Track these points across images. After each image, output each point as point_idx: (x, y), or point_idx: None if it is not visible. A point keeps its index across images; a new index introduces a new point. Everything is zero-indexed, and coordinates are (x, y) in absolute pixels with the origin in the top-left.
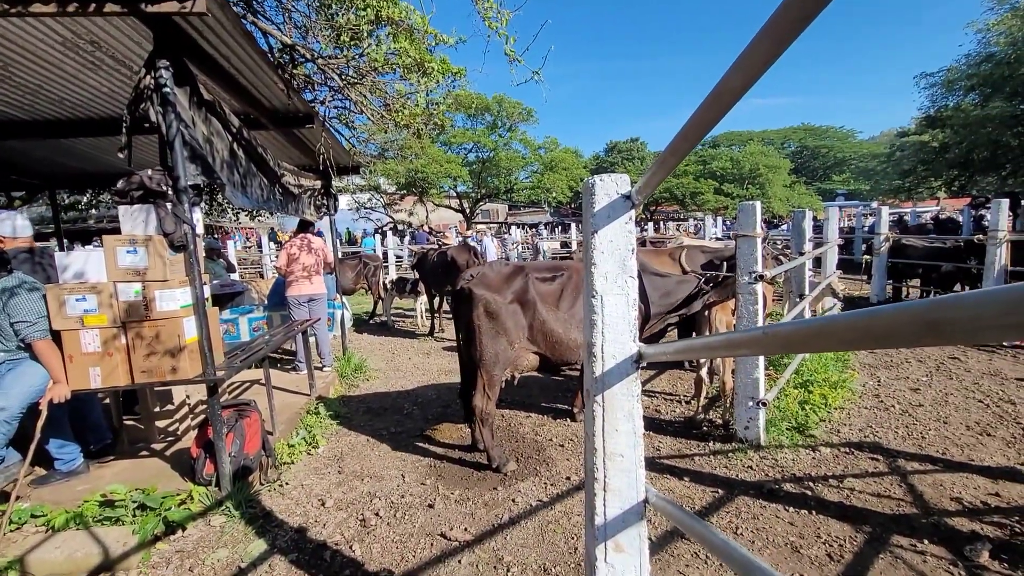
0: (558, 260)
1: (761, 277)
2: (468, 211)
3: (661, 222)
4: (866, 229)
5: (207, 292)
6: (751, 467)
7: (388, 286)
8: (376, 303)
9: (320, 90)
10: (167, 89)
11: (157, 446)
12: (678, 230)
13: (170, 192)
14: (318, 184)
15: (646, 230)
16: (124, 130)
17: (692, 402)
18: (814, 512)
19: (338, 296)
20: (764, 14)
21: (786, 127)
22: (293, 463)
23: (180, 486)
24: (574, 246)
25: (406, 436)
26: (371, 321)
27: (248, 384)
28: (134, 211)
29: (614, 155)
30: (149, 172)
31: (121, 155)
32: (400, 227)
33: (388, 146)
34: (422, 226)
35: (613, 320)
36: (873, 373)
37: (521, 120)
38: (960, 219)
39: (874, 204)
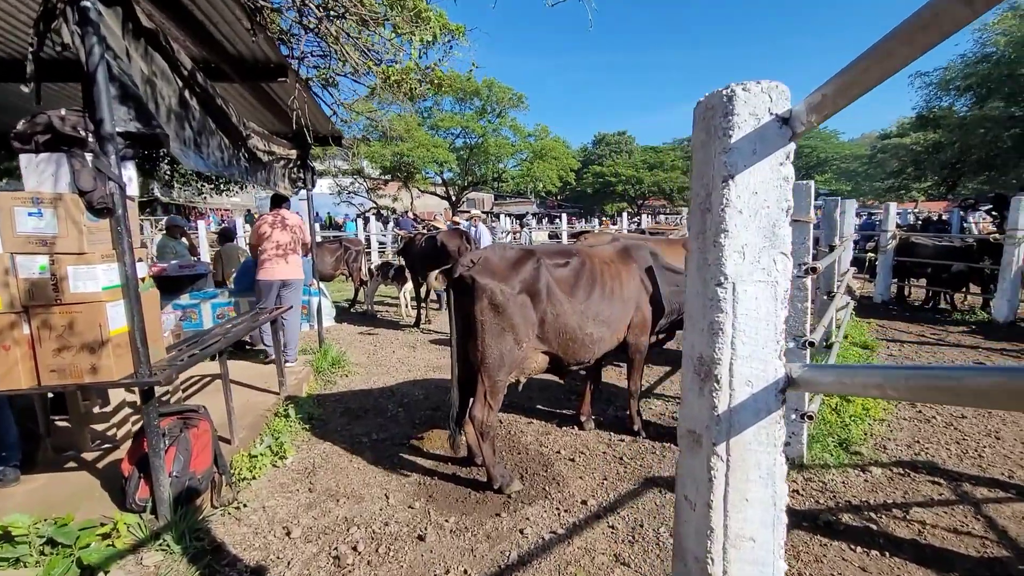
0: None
1: (813, 270)
2: (454, 199)
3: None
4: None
5: (141, 271)
6: (798, 491)
7: (372, 271)
8: (357, 290)
9: (297, 47)
10: (87, 3)
11: (89, 455)
12: (680, 221)
13: (91, 139)
14: (293, 154)
15: (636, 222)
16: (30, 55)
17: None
18: (887, 554)
19: (314, 282)
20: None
21: None
22: (255, 478)
23: (108, 511)
24: (564, 238)
25: (390, 444)
26: (352, 310)
27: (208, 379)
28: (40, 161)
29: (602, 147)
30: (62, 112)
31: (26, 89)
32: (384, 213)
33: (374, 122)
34: (407, 212)
35: (751, 324)
36: None
37: (511, 106)
38: (948, 219)
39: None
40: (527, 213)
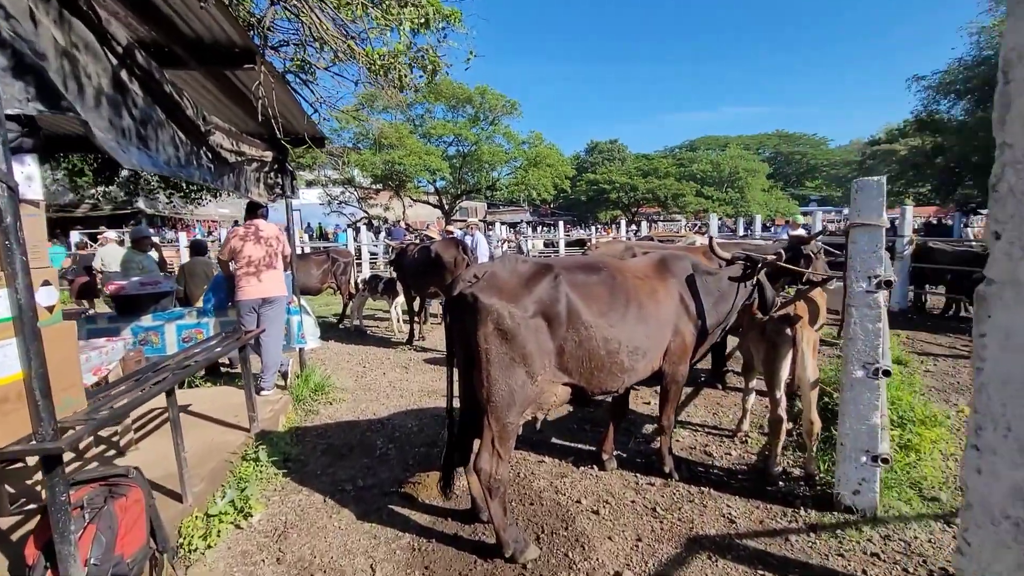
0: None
1: (888, 284)
2: (447, 208)
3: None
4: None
5: (49, 298)
6: (876, 554)
7: (360, 285)
8: (346, 305)
9: (272, 34)
10: None
11: (5, 522)
12: (687, 229)
13: None
14: (268, 156)
15: (637, 230)
16: None
17: (738, 433)
18: None
19: (294, 299)
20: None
21: (761, 133)
22: (210, 547)
23: None
24: (561, 247)
25: (378, 493)
26: (340, 326)
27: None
28: None
29: (595, 155)
30: None
31: None
32: (375, 223)
33: (363, 129)
34: (399, 222)
35: None
36: (947, 399)
37: (504, 113)
38: (950, 223)
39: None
40: (521, 221)
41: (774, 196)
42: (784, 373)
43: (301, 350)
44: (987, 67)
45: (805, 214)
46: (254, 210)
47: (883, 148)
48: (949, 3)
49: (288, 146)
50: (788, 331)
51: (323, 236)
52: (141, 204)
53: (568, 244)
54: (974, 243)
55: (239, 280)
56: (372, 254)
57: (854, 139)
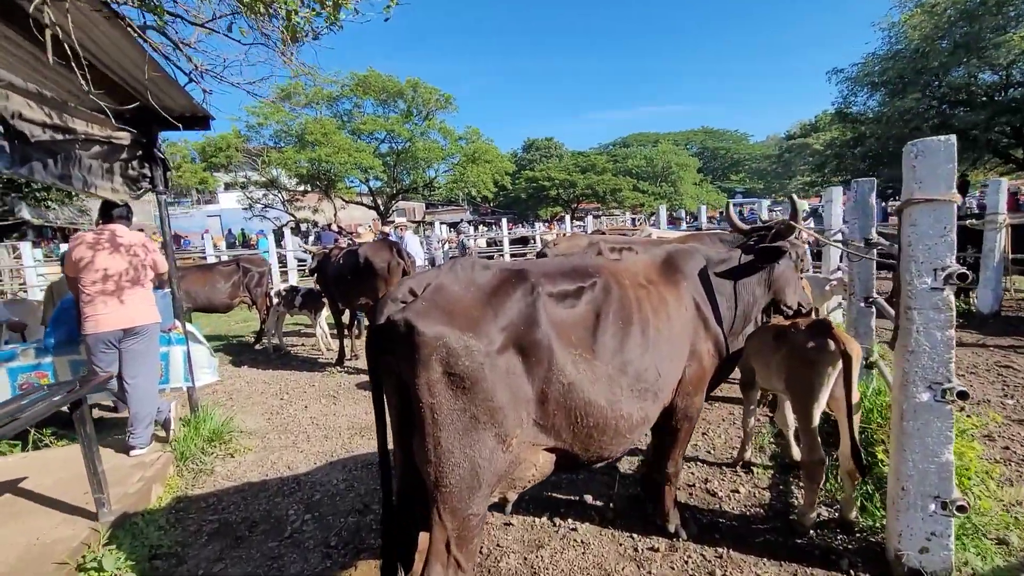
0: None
1: (963, 277)
2: (383, 209)
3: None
4: None
5: None
6: None
7: (274, 299)
8: (263, 321)
9: None
10: None
11: None
12: (635, 222)
13: None
14: (123, 137)
15: (583, 225)
16: None
17: (740, 461)
18: None
19: (176, 325)
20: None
21: (688, 130)
22: None
23: None
24: (505, 245)
25: None
26: (257, 346)
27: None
28: None
29: (532, 152)
30: None
31: None
32: (304, 226)
33: (283, 126)
34: (329, 225)
35: None
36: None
37: (439, 108)
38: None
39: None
40: (461, 220)
41: (704, 189)
42: (824, 400)
43: (190, 390)
44: (899, 60)
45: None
46: (108, 211)
47: (798, 142)
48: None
49: (154, 125)
50: (832, 344)
51: (246, 243)
52: (25, 213)
53: (512, 242)
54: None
55: (87, 305)
56: (300, 260)
57: (770, 134)
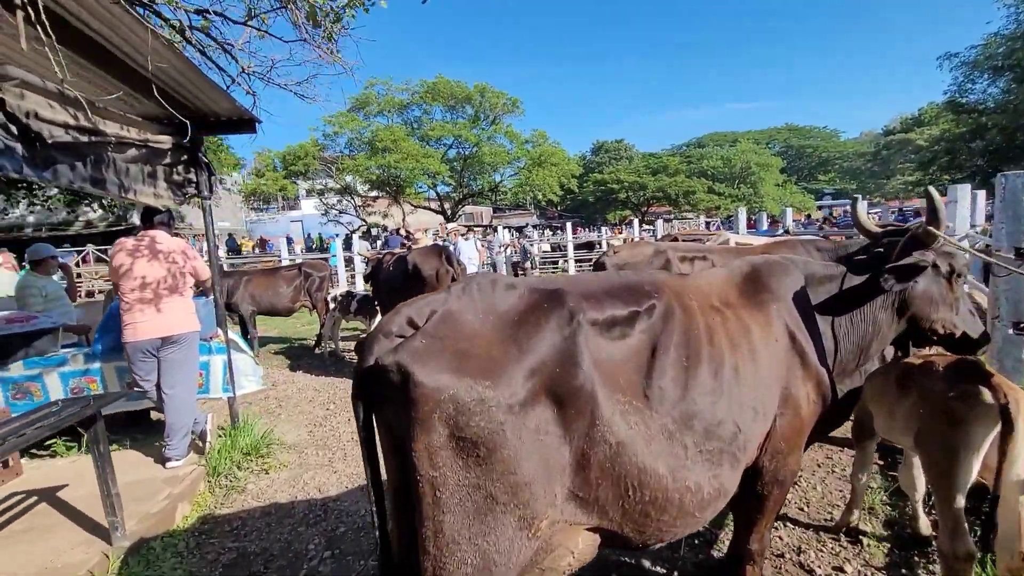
0: (583, 273)
1: None
2: (449, 213)
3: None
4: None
5: None
6: None
7: (330, 303)
8: (323, 325)
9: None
10: None
11: None
12: (710, 227)
13: None
14: (164, 142)
15: (652, 230)
16: None
17: (845, 526)
18: None
19: (218, 334)
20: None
21: (770, 127)
22: None
23: None
24: (570, 250)
25: None
26: (316, 351)
27: (32, 498)
28: None
29: (601, 155)
30: None
31: None
32: (374, 231)
33: (355, 134)
34: (397, 229)
35: None
36: None
37: (506, 112)
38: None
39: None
40: (527, 224)
41: (788, 190)
42: (973, 470)
43: (230, 400)
44: None
45: (820, 207)
46: (150, 216)
47: (898, 138)
48: None
49: (199, 129)
50: (986, 394)
51: (321, 247)
52: (136, 220)
53: (577, 247)
54: None
55: (126, 313)
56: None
57: (865, 131)
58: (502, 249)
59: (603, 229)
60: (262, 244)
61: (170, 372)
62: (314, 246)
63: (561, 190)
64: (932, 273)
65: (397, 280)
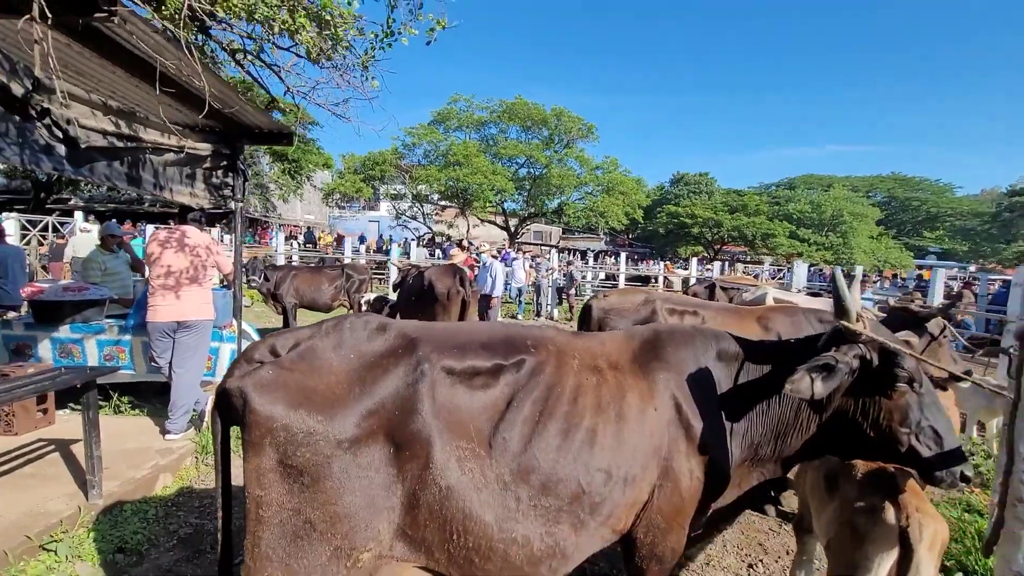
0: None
1: None
2: (514, 230)
3: (727, 263)
4: (989, 297)
5: None
6: None
7: (362, 306)
8: None
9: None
10: None
11: None
12: (746, 272)
13: None
14: (203, 149)
15: (711, 270)
16: None
17: None
18: None
19: (231, 324)
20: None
21: (874, 175)
22: None
23: None
24: (621, 282)
25: None
26: None
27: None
28: None
29: (680, 187)
30: None
31: None
32: (439, 239)
33: (432, 146)
34: (461, 240)
35: None
36: None
37: (580, 136)
38: None
39: (972, 267)
40: (590, 249)
41: (884, 244)
42: None
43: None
44: None
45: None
46: (184, 213)
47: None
48: None
49: (240, 139)
50: (890, 513)
51: (386, 249)
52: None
53: (632, 279)
54: None
55: (152, 296)
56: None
57: (986, 188)
58: (549, 273)
59: (659, 263)
60: (339, 240)
61: (182, 354)
62: (384, 247)
63: (626, 219)
64: (863, 375)
65: (414, 293)
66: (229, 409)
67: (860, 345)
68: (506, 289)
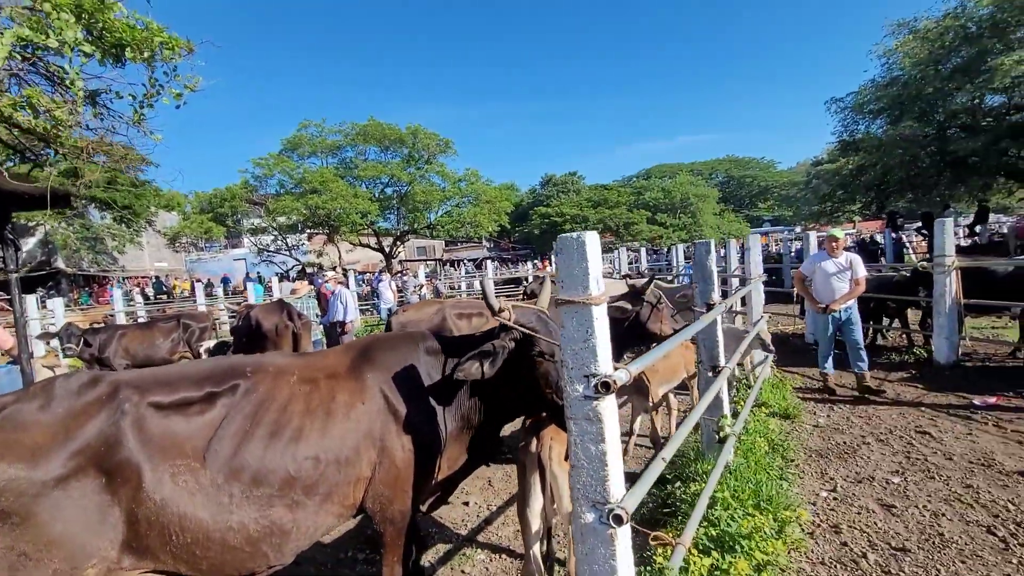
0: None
1: (607, 385)
2: (389, 250)
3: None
4: (793, 254)
5: None
6: None
7: (203, 355)
8: None
9: None
10: None
11: None
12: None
13: None
14: None
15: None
16: None
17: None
18: None
19: None
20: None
21: (713, 159)
22: None
23: None
24: (489, 287)
25: None
26: None
27: None
28: None
29: (549, 188)
30: None
31: None
32: (309, 270)
33: (286, 176)
34: (334, 267)
35: None
36: (824, 471)
37: (439, 152)
38: (881, 241)
39: (797, 229)
40: (478, 258)
41: (726, 219)
42: (536, 506)
43: None
44: (897, 86)
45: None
46: None
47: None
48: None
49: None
50: (533, 445)
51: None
52: (60, 263)
53: (505, 282)
54: (905, 270)
55: None
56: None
57: (801, 160)
58: (416, 290)
59: (529, 263)
60: (209, 287)
61: None
62: (237, 288)
63: (496, 226)
64: (518, 352)
65: (244, 334)
66: None
67: (514, 331)
68: (376, 311)
